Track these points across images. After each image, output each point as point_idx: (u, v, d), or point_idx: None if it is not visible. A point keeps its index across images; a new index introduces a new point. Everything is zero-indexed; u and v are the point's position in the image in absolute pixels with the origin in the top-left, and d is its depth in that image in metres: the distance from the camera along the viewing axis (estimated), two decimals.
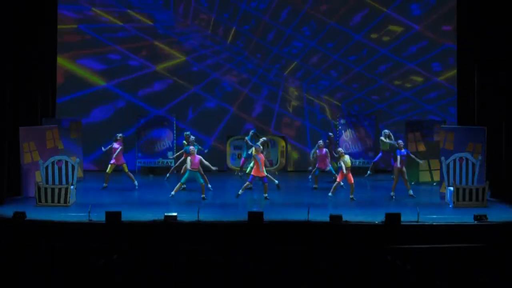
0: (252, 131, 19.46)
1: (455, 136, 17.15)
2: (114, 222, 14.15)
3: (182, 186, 17.23)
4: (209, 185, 17.80)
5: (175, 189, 16.93)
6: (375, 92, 21.80)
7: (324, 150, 18.33)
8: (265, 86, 22.03)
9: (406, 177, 17.25)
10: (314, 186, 18.51)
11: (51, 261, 11.14)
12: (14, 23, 17.15)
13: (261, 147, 17.28)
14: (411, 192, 17.24)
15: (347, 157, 17.11)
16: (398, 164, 17.11)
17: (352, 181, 17.01)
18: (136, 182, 18.44)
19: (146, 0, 21.76)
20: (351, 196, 16.93)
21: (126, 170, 18.38)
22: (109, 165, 18.34)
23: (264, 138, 18.46)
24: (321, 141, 18.71)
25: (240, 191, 16.86)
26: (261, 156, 16.97)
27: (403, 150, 17.23)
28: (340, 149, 17.61)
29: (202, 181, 17.05)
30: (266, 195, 16.94)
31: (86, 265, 9.61)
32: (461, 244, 13.55)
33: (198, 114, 22.02)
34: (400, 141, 17.53)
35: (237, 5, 21.80)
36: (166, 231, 14.09)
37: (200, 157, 17.21)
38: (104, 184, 18.30)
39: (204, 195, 16.85)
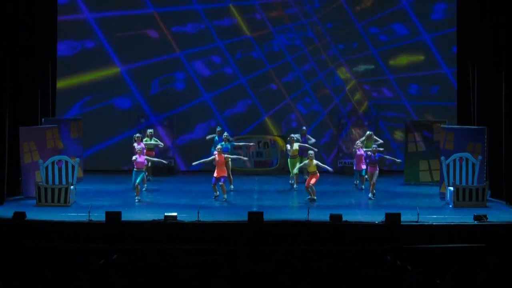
0: (225, 133, 18.99)
1: (455, 136, 17.15)
2: (114, 222, 14.16)
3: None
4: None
5: None
6: (375, 92, 21.78)
7: (362, 150, 17.96)
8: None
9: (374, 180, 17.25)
10: (361, 187, 18.38)
11: (51, 261, 11.14)
12: (14, 22, 17.15)
13: (221, 147, 17.17)
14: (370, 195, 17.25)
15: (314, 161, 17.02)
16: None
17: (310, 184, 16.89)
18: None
19: None
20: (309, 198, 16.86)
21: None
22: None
23: (228, 137, 18.31)
24: (294, 135, 18.50)
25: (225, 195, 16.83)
26: (220, 158, 16.88)
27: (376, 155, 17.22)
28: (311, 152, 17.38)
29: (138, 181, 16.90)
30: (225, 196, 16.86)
31: (86, 265, 9.60)
32: (461, 244, 13.56)
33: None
34: (374, 146, 17.51)
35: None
36: (166, 231, 14.10)
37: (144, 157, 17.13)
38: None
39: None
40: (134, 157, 16.91)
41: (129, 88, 21.71)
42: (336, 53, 21.72)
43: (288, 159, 18.53)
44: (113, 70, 21.65)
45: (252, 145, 19.02)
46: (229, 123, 21.45)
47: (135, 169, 16.85)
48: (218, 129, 19.13)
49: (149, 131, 19.22)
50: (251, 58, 21.71)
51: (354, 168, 18.44)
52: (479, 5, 17.90)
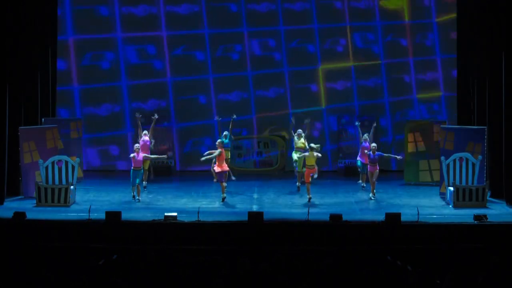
0: (225, 132, 18.81)
1: (455, 136, 17.16)
2: (114, 222, 14.16)
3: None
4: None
5: None
6: (375, 91, 21.77)
7: (367, 143, 17.87)
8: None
9: (374, 179, 17.25)
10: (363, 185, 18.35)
11: (51, 261, 11.14)
12: (14, 22, 17.14)
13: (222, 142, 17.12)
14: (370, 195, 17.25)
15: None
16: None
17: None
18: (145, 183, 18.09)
19: None
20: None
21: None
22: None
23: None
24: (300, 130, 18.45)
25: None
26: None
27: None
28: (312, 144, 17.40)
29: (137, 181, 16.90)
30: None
31: (86, 265, 9.61)
32: (461, 244, 13.56)
33: None
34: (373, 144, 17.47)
35: None
36: (166, 231, 14.10)
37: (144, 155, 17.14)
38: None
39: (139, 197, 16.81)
40: (132, 155, 16.88)
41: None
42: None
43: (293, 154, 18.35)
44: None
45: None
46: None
47: (132, 168, 16.82)
48: (225, 133, 18.87)
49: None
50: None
51: (361, 160, 18.27)
52: (479, 5, 17.93)
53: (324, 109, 21.67)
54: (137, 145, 17.25)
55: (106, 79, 21.29)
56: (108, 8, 21.14)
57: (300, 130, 18.46)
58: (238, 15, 21.42)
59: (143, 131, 18.20)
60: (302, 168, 17.73)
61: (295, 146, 18.43)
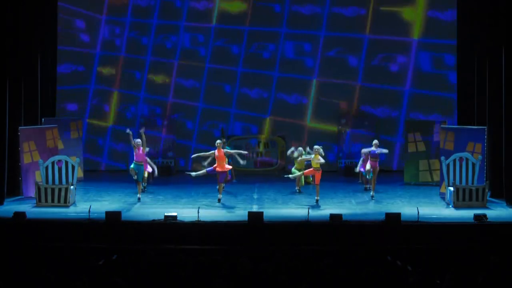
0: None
1: (455, 136, 17.16)
2: (114, 222, 14.16)
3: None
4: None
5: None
6: (375, 91, 21.74)
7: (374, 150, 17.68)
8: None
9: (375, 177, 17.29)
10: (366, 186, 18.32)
11: (51, 261, 11.14)
12: (14, 22, 17.15)
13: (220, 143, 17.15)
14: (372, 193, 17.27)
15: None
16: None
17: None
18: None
19: None
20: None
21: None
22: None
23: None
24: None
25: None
26: (219, 153, 16.81)
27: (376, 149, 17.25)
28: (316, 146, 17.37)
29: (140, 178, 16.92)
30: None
31: (86, 265, 9.61)
32: (461, 244, 13.55)
33: None
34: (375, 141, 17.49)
35: None
36: (166, 231, 14.09)
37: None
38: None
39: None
40: (128, 130, 16.91)
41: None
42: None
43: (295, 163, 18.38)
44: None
45: (246, 153, 18.44)
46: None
47: (135, 162, 16.82)
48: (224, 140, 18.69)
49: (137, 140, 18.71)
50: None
51: (361, 168, 18.23)
52: (480, 4, 17.94)
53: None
54: (138, 140, 17.07)
55: None
56: None
57: (300, 149, 18.33)
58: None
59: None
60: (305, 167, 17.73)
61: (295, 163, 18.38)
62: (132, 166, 16.87)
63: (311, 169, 16.91)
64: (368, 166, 17.40)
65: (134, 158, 16.90)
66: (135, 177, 16.83)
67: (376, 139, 18.09)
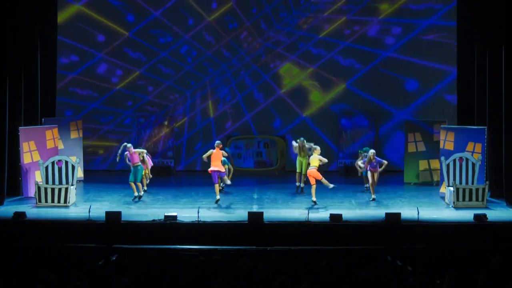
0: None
1: (455, 136, 17.16)
2: (114, 222, 14.16)
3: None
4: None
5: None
6: (374, 91, 21.74)
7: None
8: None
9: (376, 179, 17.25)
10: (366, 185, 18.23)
11: (51, 261, 11.14)
12: (14, 22, 17.15)
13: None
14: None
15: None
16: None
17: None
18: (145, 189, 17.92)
19: None
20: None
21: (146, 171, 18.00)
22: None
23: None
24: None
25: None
26: (217, 152, 16.72)
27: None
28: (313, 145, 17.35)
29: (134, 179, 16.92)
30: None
31: (86, 265, 9.59)
32: (461, 244, 13.56)
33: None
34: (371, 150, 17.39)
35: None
36: (166, 231, 14.09)
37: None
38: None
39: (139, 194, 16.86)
40: (127, 144, 16.94)
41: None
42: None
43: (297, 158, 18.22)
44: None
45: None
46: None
47: (134, 165, 16.83)
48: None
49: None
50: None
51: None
52: (479, 3, 17.95)
53: None
54: (129, 144, 17.10)
55: None
56: None
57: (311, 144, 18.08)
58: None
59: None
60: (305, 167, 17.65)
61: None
62: (130, 176, 16.85)
63: (313, 169, 16.69)
64: (368, 174, 17.32)
65: (130, 163, 16.89)
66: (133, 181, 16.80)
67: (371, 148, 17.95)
